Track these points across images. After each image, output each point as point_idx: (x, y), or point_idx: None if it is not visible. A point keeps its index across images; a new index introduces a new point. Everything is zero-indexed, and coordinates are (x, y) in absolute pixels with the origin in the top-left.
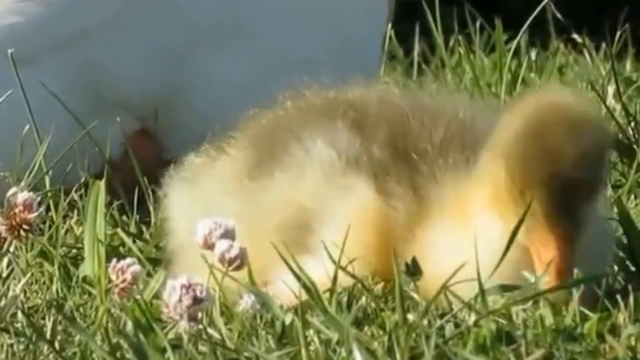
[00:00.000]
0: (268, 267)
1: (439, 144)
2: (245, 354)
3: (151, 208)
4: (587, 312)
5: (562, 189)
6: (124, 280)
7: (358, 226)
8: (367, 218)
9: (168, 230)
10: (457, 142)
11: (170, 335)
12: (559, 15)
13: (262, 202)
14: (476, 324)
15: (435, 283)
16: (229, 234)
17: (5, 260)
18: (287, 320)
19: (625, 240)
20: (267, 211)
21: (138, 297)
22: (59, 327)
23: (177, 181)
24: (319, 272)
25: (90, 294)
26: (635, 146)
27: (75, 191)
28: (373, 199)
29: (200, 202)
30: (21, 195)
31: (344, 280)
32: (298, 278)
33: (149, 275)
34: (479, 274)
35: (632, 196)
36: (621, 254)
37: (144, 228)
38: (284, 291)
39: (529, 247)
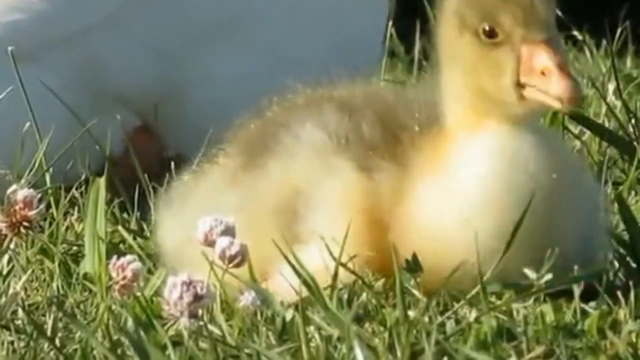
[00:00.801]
0: (267, 259)
1: (423, 123)
2: (246, 350)
3: (152, 205)
4: (587, 308)
5: None
6: (124, 277)
7: (345, 208)
8: (352, 199)
9: (162, 258)
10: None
11: (171, 332)
12: (559, 13)
13: (256, 192)
14: (477, 320)
15: (429, 235)
16: (229, 231)
17: (5, 258)
18: (288, 317)
19: (626, 237)
20: (262, 199)
21: (139, 294)
22: (60, 324)
23: (165, 208)
24: (316, 261)
25: (90, 291)
26: (635, 143)
27: (76, 188)
28: (357, 179)
29: (193, 211)
30: (21, 192)
31: (343, 273)
32: (298, 274)
33: (149, 272)
34: (480, 270)
35: (633, 193)
36: (622, 250)
37: (144, 225)
38: (284, 284)
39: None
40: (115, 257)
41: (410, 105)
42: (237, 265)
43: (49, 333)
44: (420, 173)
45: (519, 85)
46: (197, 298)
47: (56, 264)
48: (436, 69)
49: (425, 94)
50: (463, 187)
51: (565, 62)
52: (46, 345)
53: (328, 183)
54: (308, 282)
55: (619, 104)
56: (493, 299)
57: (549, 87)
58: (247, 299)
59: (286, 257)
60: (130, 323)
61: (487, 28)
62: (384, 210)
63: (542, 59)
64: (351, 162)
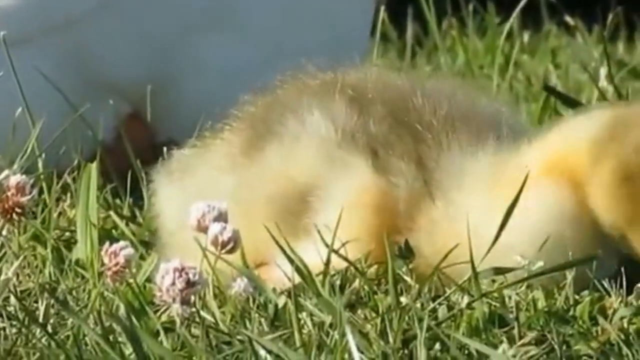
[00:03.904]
0: (263, 246)
1: (444, 117)
2: (238, 337)
3: (144, 191)
4: (579, 295)
5: None
6: (116, 264)
7: (356, 206)
8: (365, 197)
9: (159, 225)
10: (461, 118)
11: (163, 319)
12: None
13: (257, 176)
14: (469, 306)
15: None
16: (222, 217)
17: None
18: (280, 303)
19: None
20: (262, 185)
21: (131, 280)
22: (52, 311)
23: (165, 176)
24: (314, 253)
25: (83, 277)
26: None
27: (68, 174)
28: (371, 176)
29: (192, 189)
30: (14, 178)
31: (338, 262)
32: (291, 261)
33: (141, 258)
34: (471, 255)
35: None
36: None
37: (136, 211)
38: (280, 273)
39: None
40: (107, 243)
41: (429, 99)
42: (230, 252)
43: (41, 319)
44: (459, 185)
45: None
46: (190, 284)
47: (48, 250)
48: None
49: (444, 84)
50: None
51: None
52: (38, 331)
53: (337, 178)
54: (300, 269)
55: (610, 89)
56: (485, 285)
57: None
58: (239, 285)
59: (279, 244)
60: (122, 309)
61: None
62: (399, 211)
63: None
64: (362, 158)
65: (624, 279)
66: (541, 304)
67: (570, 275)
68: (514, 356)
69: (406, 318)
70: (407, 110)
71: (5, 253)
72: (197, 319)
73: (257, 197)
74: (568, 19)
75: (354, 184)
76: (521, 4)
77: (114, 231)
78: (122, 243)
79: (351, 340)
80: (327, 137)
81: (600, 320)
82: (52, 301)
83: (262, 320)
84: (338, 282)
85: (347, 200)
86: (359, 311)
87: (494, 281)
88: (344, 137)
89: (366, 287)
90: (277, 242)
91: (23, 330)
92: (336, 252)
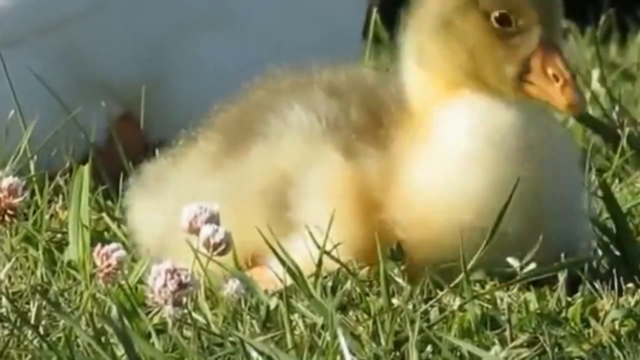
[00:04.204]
0: (252, 244)
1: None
2: (230, 338)
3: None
4: (570, 297)
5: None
6: (108, 265)
7: (334, 195)
8: (342, 186)
9: (137, 241)
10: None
11: (155, 320)
12: None
13: (242, 176)
14: (461, 308)
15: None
16: (214, 219)
17: None
18: (272, 305)
19: (610, 225)
20: (248, 183)
21: (123, 282)
22: (44, 312)
23: (139, 190)
24: (303, 250)
25: (75, 279)
26: (619, 130)
27: (60, 176)
28: (346, 165)
29: (171, 199)
30: (6, 180)
31: (328, 261)
32: (283, 263)
33: (133, 260)
34: (463, 256)
35: (617, 180)
36: (605, 238)
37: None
38: (272, 274)
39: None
40: (99, 245)
41: (390, 88)
42: (222, 253)
43: (32, 321)
44: (405, 149)
45: (520, 78)
46: (182, 286)
47: (40, 251)
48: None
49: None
50: (448, 155)
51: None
52: (30, 333)
53: (317, 169)
54: (292, 270)
55: (603, 91)
56: (477, 287)
57: (559, 93)
58: (231, 287)
59: (271, 247)
60: (114, 311)
61: (500, 15)
62: (374, 192)
63: (559, 66)
64: (339, 146)
65: (615, 281)
66: (533, 305)
67: (562, 277)
68: (506, 358)
69: (398, 320)
70: (373, 99)
71: None
72: (189, 321)
73: (244, 195)
74: None
75: (329, 174)
76: None
77: (105, 233)
78: (113, 245)
79: (343, 342)
80: (308, 128)
81: (592, 322)
82: (44, 303)
83: (254, 321)
84: (330, 284)
85: (324, 187)
86: (351, 313)
87: (485, 282)
88: (325, 126)
89: (358, 289)
90: (268, 244)
91: (15, 331)
92: (328, 253)
